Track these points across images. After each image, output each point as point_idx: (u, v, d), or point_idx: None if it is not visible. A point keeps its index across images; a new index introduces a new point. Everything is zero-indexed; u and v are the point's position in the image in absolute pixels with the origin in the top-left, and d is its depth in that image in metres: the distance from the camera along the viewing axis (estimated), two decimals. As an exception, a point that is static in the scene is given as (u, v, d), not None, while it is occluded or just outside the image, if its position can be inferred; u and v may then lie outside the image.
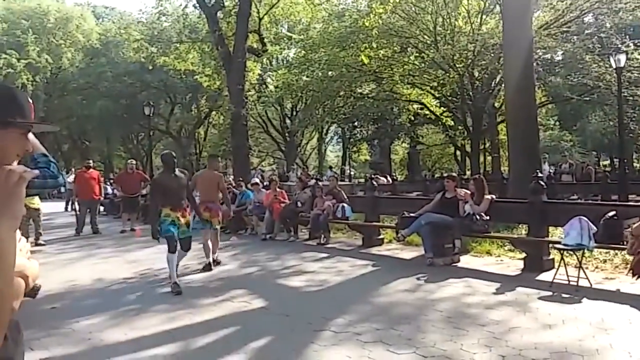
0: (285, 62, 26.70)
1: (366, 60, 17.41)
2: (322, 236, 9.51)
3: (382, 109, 23.71)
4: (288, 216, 10.26)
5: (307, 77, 20.40)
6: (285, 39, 22.35)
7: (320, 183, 11.37)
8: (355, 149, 38.37)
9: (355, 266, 7.31)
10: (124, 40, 23.29)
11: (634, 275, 2.73)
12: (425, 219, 7.36)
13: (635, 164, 31.65)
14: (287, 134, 31.55)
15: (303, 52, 20.81)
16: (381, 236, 9.23)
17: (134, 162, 13.83)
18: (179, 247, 6.04)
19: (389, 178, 21.45)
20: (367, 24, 15.86)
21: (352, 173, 37.37)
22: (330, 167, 28.70)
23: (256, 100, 25.07)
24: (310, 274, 6.89)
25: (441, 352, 3.83)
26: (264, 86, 27.22)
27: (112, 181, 19.45)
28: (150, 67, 22.86)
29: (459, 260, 7.20)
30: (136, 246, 9.83)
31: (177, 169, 6.27)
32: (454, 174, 9.13)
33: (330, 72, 19.90)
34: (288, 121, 31.82)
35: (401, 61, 20.05)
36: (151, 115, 21.72)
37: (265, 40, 18.18)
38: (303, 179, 12.49)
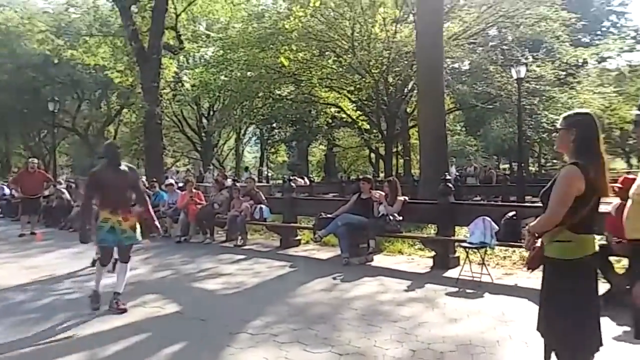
0: (202, 60, 26.07)
1: (285, 62, 17.46)
2: (239, 238, 9.42)
3: (301, 111, 23.94)
4: (204, 218, 10.05)
5: (226, 76, 20.11)
6: (203, 37, 21.87)
7: (237, 184, 11.23)
8: (273, 150, 38.32)
9: (272, 267, 7.31)
10: (27, 31, 21.60)
11: (528, 269, 2.97)
12: (341, 220, 7.53)
13: (530, 168, 34.28)
14: (203, 134, 30.85)
15: (221, 51, 20.46)
16: (298, 237, 9.30)
17: (35, 160, 12.87)
18: (117, 258, 5.32)
19: (306, 179, 21.65)
20: (287, 26, 15.93)
21: (269, 174, 37.29)
22: (247, 168, 28.36)
23: (171, 98, 24.33)
24: (226, 276, 6.79)
25: (355, 349, 3.94)
26: (180, 84, 26.43)
27: (6, 181, 18.04)
28: (56, 61, 21.37)
29: (372, 260, 7.43)
30: (36, 251, 9.17)
31: (122, 163, 5.32)
32: (369, 176, 9.40)
33: (249, 73, 19.75)
34: (205, 121, 31.12)
35: (320, 64, 20.33)
36: (56, 111, 20.39)
37: (182, 37, 17.67)
38: (219, 180, 12.27)
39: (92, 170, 5.38)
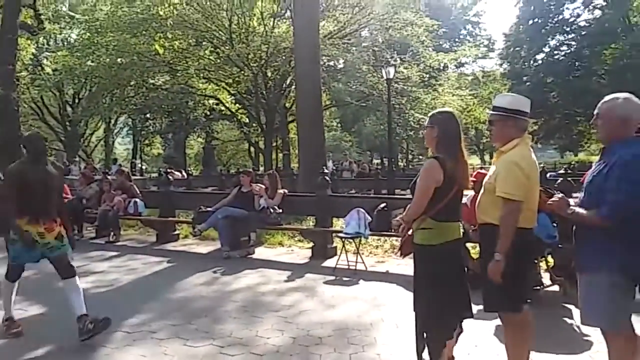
0: (66, 43, 23.98)
1: (160, 50, 16.77)
2: (112, 233, 8.91)
3: (177, 102, 23.07)
4: (71, 213, 9.32)
5: (93, 62, 18.67)
6: (66, 17, 20.13)
7: (109, 177, 10.58)
8: (147, 142, 36.52)
9: (148, 263, 7.05)
10: None
11: (401, 255, 3.26)
12: (221, 213, 7.49)
13: (400, 163, 36.72)
14: (67, 123, 28.42)
15: (88, 34, 18.97)
16: (177, 232, 9.05)
17: None
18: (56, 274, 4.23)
19: (183, 173, 21.00)
20: (161, 12, 15.28)
21: (143, 167, 35.50)
22: (115, 160, 26.55)
23: (29, 83, 22.09)
24: (98, 274, 6.42)
25: (237, 340, 3.98)
26: (40, 68, 24.05)
27: None
28: None
29: (253, 252, 7.49)
30: None
31: (48, 160, 4.34)
32: (249, 170, 9.43)
33: (119, 59, 18.54)
34: (69, 109, 28.66)
35: (196, 55, 19.77)
36: None
37: (42, 17, 16.12)
38: (87, 174, 11.44)
39: (10, 166, 4.23)
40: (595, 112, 2.65)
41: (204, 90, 21.45)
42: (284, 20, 20.22)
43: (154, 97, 21.75)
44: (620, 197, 2.40)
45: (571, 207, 2.61)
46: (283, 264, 6.84)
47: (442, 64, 24.55)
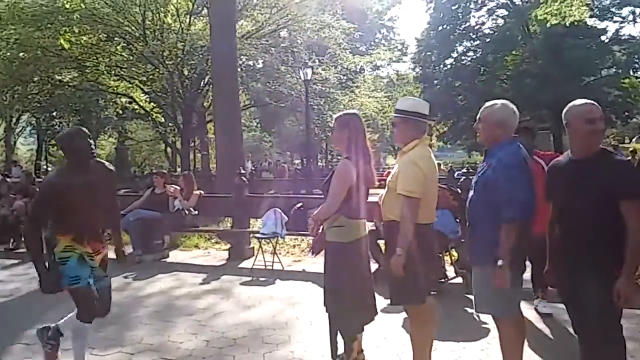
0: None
1: (66, 45, 15.82)
2: (12, 240, 8.31)
3: (86, 100, 21.86)
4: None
5: (-9, 56, 17.26)
6: (-38, 9, 18.39)
7: (8, 180, 9.86)
8: (53, 142, 34.22)
9: (53, 271, 6.65)
10: None
11: (312, 253, 3.35)
12: (133, 216, 7.25)
13: (319, 163, 37.17)
14: (-39, 122, 26.06)
15: (-14, 27, 17.49)
16: (84, 237, 8.60)
17: None
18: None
19: (93, 175, 19.93)
20: (67, 5, 14.43)
21: (49, 169, 33.28)
22: (15, 162, 24.60)
23: None
24: (-5, 284, 5.98)
25: (148, 346, 3.89)
26: None
27: None
28: None
29: (168, 256, 7.32)
30: None
31: (96, 163, 3.41)
32: (163, 171, 9.21)
33: (21, 54, 17.25)
34: (-37, 106, 26.26)
35: (107, 51, 18.85)
36: None
37: None
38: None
39: (46, 177, 3.45)
40: (478, 117, 2.89)
41: (115, 88, 20.48)
42: (201, 18, 19.76)
43: (61, 94, 20.48)
44: (519, 194, 2.60)
45: (498, 265, 2.60)
46: (199, 267, 6.75)
47: (358, 67, 25.13)
